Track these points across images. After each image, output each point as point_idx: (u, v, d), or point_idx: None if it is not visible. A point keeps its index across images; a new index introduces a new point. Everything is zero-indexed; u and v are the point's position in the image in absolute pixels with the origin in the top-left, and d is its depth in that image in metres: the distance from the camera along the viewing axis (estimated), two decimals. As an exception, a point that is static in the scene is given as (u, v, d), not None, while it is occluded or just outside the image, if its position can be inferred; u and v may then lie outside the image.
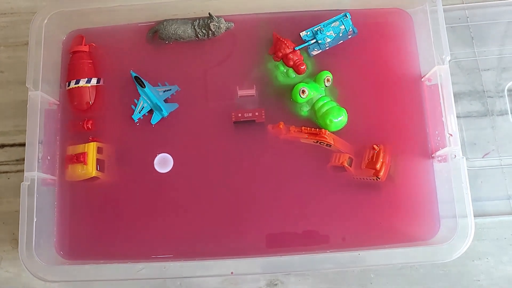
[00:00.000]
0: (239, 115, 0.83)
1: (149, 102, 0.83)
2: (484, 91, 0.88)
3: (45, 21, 0.80)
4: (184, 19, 0.86)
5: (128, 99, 0.85)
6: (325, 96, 0.83)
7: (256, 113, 0.83)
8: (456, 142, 0.74)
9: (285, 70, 0.85)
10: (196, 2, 0.84)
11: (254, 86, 0.85)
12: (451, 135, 0.75)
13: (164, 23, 0.85)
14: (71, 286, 0.79)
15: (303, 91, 0.80)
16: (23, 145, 0.87)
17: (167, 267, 0.72)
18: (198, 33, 0.85)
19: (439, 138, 0.78)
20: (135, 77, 0.83)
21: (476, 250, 0.83)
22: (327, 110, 0.81)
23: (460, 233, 0.71)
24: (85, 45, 0.86)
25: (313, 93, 0.82)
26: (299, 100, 0.81)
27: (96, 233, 0.81)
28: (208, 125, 0.84)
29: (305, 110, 0.83)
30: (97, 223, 0.81)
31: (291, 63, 0.83)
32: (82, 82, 0.84)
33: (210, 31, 0.84)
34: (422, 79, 0.84)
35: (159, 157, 0.82)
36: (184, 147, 0.83)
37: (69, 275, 0.75)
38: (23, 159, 0.85)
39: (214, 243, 0.79)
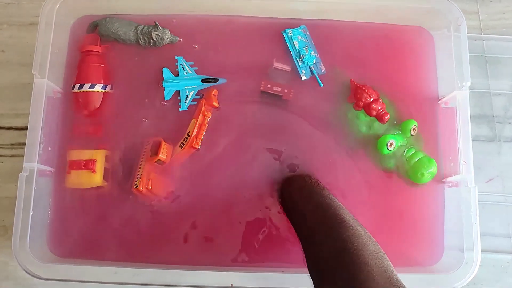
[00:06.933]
0: (268, 86, 0.81)
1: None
2: (493, 116, 0.88)
3: (57, 6, 0.76)
4: (131, 21, 0.81)
5: (135, 102, 0.81)
6: (412, 146, 0.80)
7: (285, 90, 0.81)
8: (469, 170, 0.73)
9: (367, 120, 0.80)
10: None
11: (291, 64, 0.82)
12: (465, 162, 0.74)
13: (107, 19, 0.80)
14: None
15: (391, 144, 0.77)
16: (20, 129, 0.84)
17: (163, 274, 0.71)
18: (140, 38, 0.80)
19: (452, 164, 0.77)
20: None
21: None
22: (416, 162, 0.78)
23: (466, 265, 0.70)
24: (99, 45, 0.81)
25: (400, 144, 0.78)
26: (385, 152, 0.77)
27: (91, 232, 0.78)
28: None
29: (391, 163, 0.80)
30: (93, 222, 0.78)
31: (374, 113, 0.78)
32: (91, 88, 0.79)
33: (151, 40, 0.79)
34: (439, 101, 0.82)
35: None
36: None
37: (61, 274, 0.72)
38: (19, 144, 0.84)
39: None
